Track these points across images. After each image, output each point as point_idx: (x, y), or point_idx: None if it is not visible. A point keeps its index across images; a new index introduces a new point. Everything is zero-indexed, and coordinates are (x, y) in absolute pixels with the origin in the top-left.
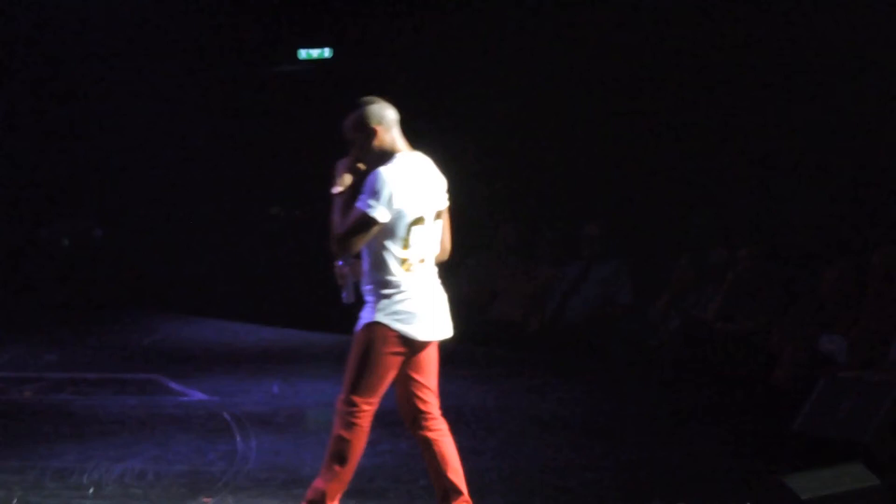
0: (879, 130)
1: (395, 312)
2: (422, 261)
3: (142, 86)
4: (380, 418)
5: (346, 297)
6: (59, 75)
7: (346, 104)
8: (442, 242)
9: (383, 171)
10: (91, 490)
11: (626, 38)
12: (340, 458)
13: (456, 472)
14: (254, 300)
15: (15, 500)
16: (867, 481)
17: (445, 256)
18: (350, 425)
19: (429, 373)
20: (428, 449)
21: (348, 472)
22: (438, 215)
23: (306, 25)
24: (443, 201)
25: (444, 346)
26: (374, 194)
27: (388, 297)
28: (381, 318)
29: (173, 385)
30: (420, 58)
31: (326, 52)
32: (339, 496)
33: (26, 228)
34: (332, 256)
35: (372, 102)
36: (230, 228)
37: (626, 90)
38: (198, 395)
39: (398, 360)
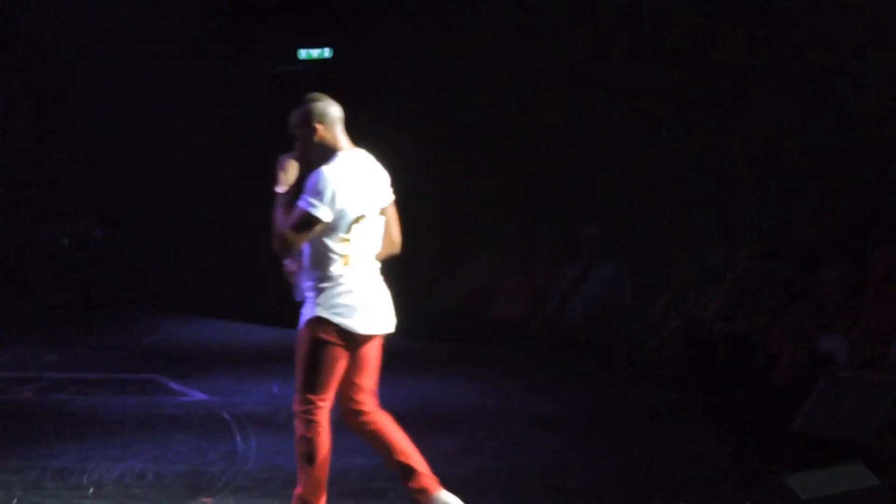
0: (879, 130)
1: (335, 306)
2: (362, 257)
3: (142, 85)
4: None
5: (298, 294)
6: (59, 75)
7: (347, 104)
8: (390, 237)
9: (325, 170)
10: (91, 490)
11: (627, 37)
12: (308, 458)
13: (405, 453)
14: (254, 300)
15: (15, 501)
16: (867, 481)
17: (396, 250)
18: (309, 423)
19: (367, 373)
20: (374, 442)
21: (321, 470)
22: (382, 212)
23: (306, 25)
24: (387, 197)
25: (446, 347)
26: (317, 194)
27: (326, 291)
28: (321, 312)
29: (173, 385)
30: (420, 58)
31: (326, 52)
32: (322, 497)
33: (26, 228)
34: (276, 254)
35: (316, 100)
36: (230, 228)
37: (626, 90)
38: (198, 395)
39: (344, 353)
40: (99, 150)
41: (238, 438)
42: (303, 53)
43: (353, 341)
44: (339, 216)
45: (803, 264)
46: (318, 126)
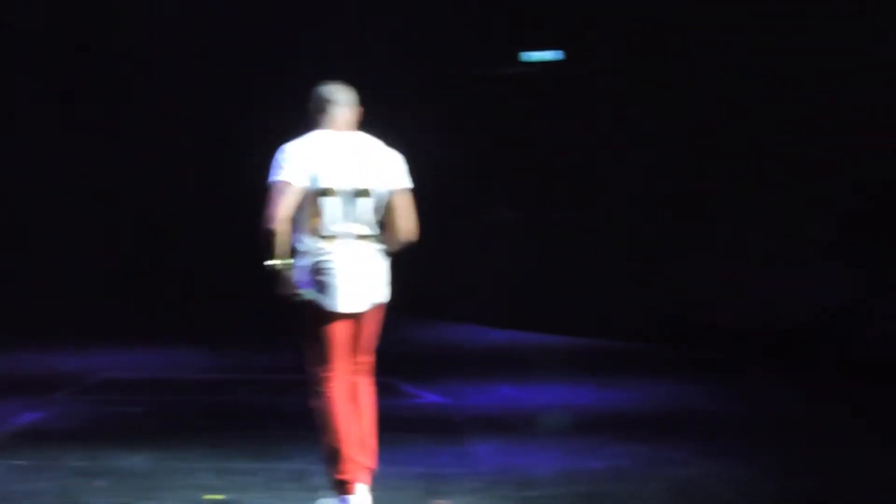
0: None
1: (308, 283)
2: (334, 230)
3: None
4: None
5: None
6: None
7: (574, 106)
8: (394, 224)
9: (286, 145)
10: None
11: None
12: (322, 428)
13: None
14: (483, 302)
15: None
16: None
17: (405, 238)
18: (318, 396)
19: (355, 345)
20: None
21: (336, 440)
22: (363, 193)
23: (533, 27)
24: (386, 181)
25: (670, 351)
26: (277, 165)
27: (302, 267)
28: (300, 289)
29: (406, 388)
30: (639, 62)
31: (554, 55)
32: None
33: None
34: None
35: (320, 85)
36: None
37: None
38: (430, 398)
39: (333, 323)
40: None
41: (470, 440)
42: (530, 55)
43: (330, 314)
44: (302, 185)
45: None
46: (310, 106)
